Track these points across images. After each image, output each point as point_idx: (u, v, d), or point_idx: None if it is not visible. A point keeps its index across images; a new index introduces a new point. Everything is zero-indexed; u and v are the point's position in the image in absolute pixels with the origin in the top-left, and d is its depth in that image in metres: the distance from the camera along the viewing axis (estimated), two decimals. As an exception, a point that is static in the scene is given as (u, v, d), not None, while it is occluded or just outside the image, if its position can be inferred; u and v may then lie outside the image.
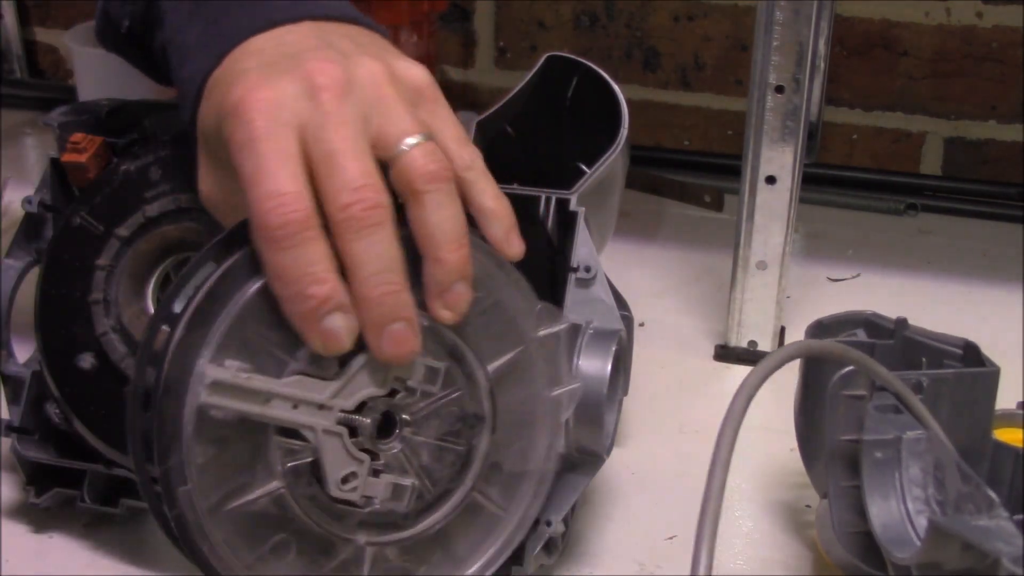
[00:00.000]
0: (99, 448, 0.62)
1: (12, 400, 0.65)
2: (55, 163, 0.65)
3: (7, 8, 1.31)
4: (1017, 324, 0.87)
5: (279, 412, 0.50)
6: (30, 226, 0.65)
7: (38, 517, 0.67)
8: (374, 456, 0.52)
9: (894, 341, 0.63)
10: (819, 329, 0.64)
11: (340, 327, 0.49)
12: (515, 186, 0.64)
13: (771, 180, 0.80)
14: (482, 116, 0.68)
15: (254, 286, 0.50)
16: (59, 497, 0.65)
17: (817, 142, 1.15)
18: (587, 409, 0.57)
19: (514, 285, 0.55)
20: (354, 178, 0.49)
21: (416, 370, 0.52)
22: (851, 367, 0.58)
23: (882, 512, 0.56)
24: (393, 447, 0.53)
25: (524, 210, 0.63)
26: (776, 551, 0.67)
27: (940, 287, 0.93)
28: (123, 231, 0.62)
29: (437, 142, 0.52)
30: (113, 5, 0.60)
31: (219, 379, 0.49)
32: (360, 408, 0.51)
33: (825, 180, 1.10)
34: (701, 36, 1.15)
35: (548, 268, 0.63)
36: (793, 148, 0.79)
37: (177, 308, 0.51)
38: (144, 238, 0.62)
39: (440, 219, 0.50)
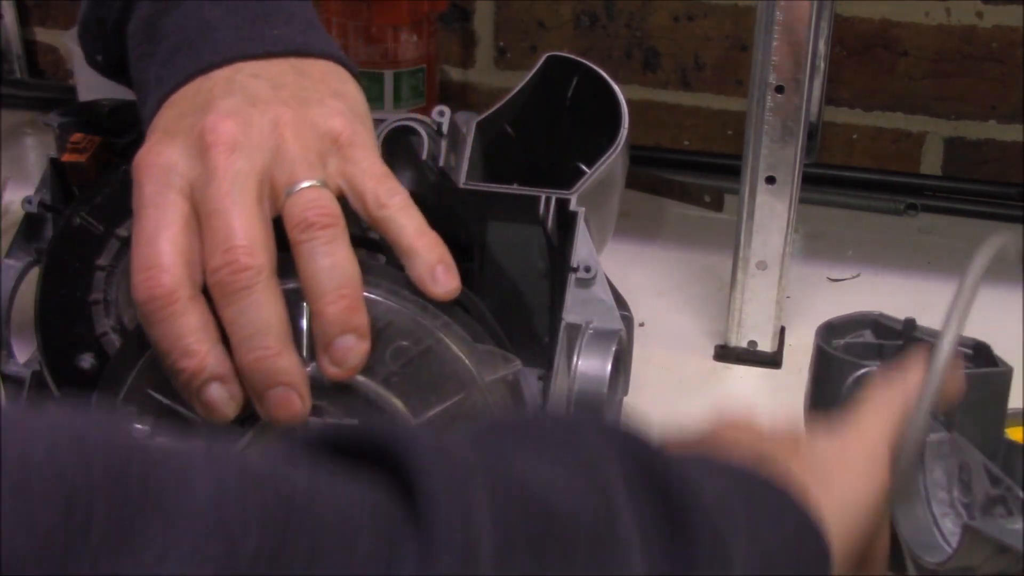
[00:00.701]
0: (99, 448, 0.62)
1: (12, 400, 0.65)
2: (55, 163, 0.65)
3: (7, 8, 1.31)
4: (1017, 324, 0.87)
5: None
6: (30, 226, 0.65)
7: (38, 517, 0.67)
8: None
9: (903, 342, 0.63)
10: (828, 330, 0.64)
11: (219, 397, 0.48)
12: (515, 186, 0.64)
13: (771, 180, 0.80)
14: (482, 116, 0.68)
15: (148, 352, 0.50)
16: (59, 497, 0.65)
17: (817, 142, 1.15)
18: (587, 409, 0.57)
19: (445, 330, 0.52)
20: (225, 239, 0.48)
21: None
22: (866, 369, 0.58)
23: (907, 516, 0.56)
24: None
25: (524, 210, 0.63)
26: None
27: (940, 287, 0.93)
28: (123, 231, 0.62)
29: (351, 183, 0.52)
30: (85, 40, 0.59)
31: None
32: None
33: (825, 180, 1.10)
34: (701, 36, 1.15)
35: (548, 268, 0.63)
36: (793, 148, 0.79)
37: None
38: (144, 238, 0.62)
39: (315, 270, 0.49)
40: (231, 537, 0.27)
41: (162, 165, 0.50)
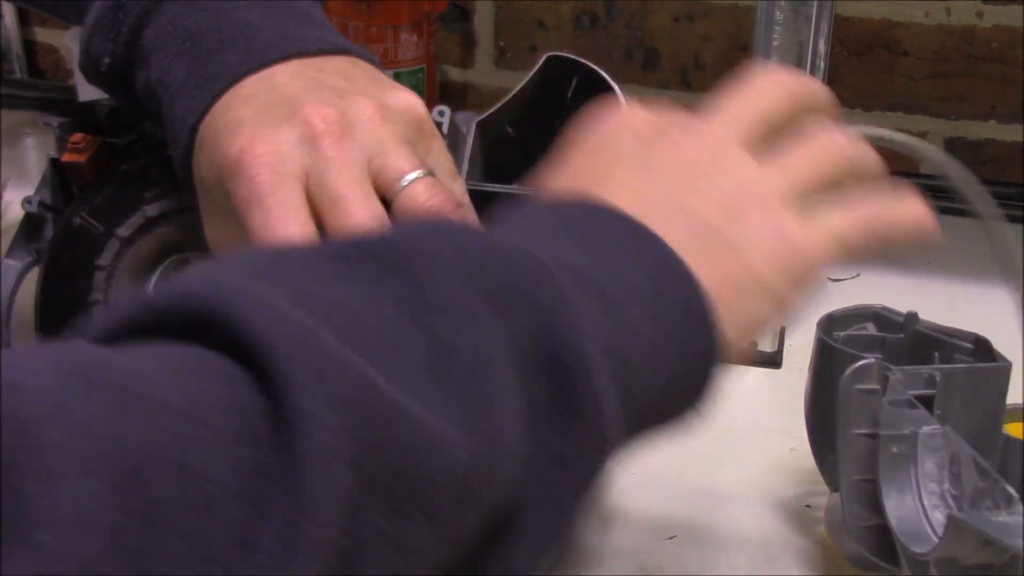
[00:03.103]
0: (99, 448, 0.62)
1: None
2: (55, 163, 0.65)
3: (7, 8, 1.31)
4: (1017, 324, 0.87)
5: None
6: (30, 226, 0.65)
7: (38, 517, 0.67)
8: None
9: (904, 335, 0.63)
10: (830, 322, 0.64)
11: None
12: (515, 186, 0.64)
13: (771, 180, 0.80)
14: (482, 116, 0.68)
15: None
16: (59, 497, 0.65)
17: (817, 142, 1.15)
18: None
19: None
20: (362, 222, 0.49)
21: None
22: (866, 361, 0.58)
23: (898, 507, 0.56)
24: None
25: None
26: (778, 549, 0.67)
27: (940, 287, 0.93)
28: (123, 231, 0.62)
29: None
30: (94, 42, 0.58)
31: None
32: None
33: (825, 180, 1.10)
34: (701, 36, 1.15)
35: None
36: (793, 148, 0.79)
37: None
38: (144, 238, 0.62)
39: None
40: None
41: (273, 153, 0.49)
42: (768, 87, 0.48)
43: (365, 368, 0.33)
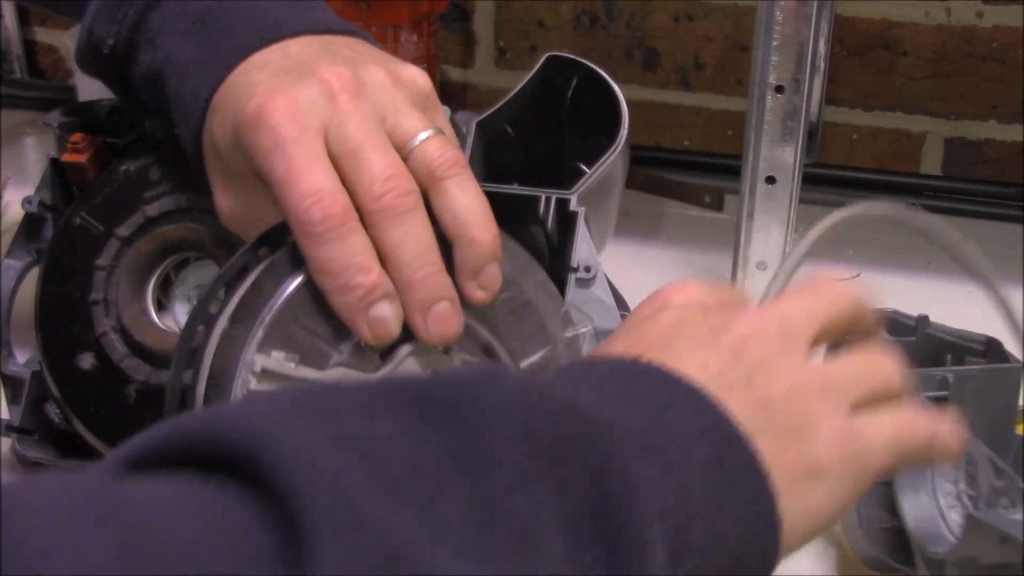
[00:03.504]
0: (99, 448, 0.62)
1: (12, 400, 0.65)
2: (55, 163, 0.65)
3: (7, 8, 1.31)
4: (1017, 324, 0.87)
5: None
6: (30, 226, 0.66)
7: (38, 517, 0.67)
8: None
9: (916, 338, 0.63)
10: None
11: (388, 315, 0.50)
12: (515, 186, 0.64)
13: (771, 180, 0.80)
14: (482, 116, 0.68)
15: (297, 280, 0.50)
16: (59, 497, 0.65)
17: (817, 142, 1.15)
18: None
19: (541, 286, 0.55)
20: (383, 169, 0.50)
21: (454, 363, 0.53)
22: None
23: (914, 507, 0.57)
24: None
25: (524, 210, 0.63)
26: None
27: (940, 287, 0.93)
28: (123, 231, 0.62)
29: None
30: (98, 25, 0.59)
31: (268, 368, 0.49)
32: None
33: (825, 180, 1.10)
34: (701, 36, 1.15)
35: (548, 268, 0.63)
36: (793, 148, 0.79)
37: (213, 310, 0.51)
38: (144, 238, 0.62)
39: (468, 201, 0.51)
40: None
41: (295, 105, 0.51)
42: (835, 296, 0.48)
43: (398, 524, 0.31)
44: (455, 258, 0.51)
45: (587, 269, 0.60)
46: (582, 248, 0.60)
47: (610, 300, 0.60)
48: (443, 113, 0.57)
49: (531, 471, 0.35)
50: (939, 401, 0.59)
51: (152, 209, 0.62)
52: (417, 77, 0.55)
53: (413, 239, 0.50)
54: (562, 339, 0.55)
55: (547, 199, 0.62)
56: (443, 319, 0.50)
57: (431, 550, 0.31)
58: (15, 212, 0.79)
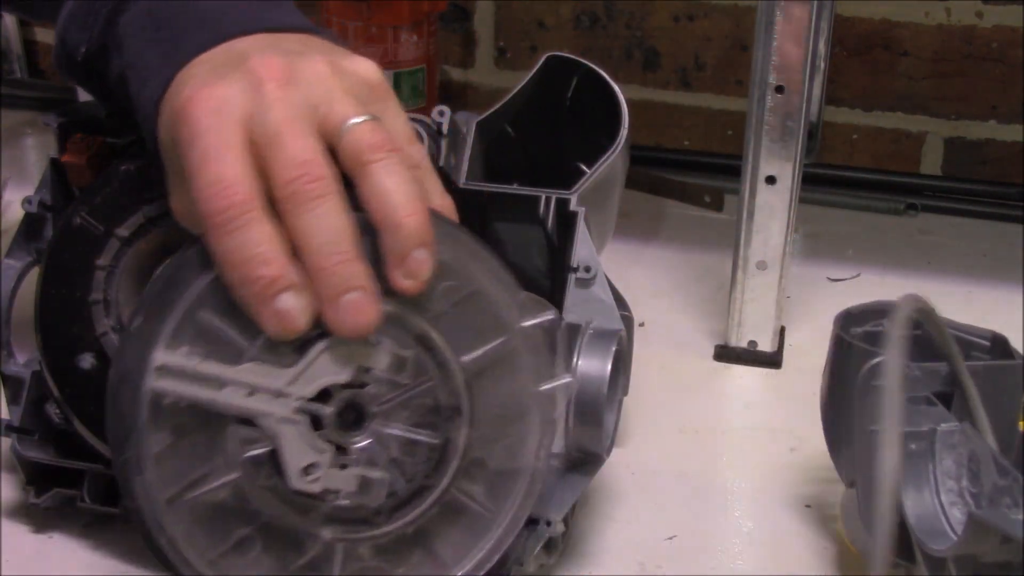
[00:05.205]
0: (99, 448, 0.62)
1: (12, 400, 0.65)
2: (55, 163, 0.65)
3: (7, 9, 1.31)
4: (1017, 324, 0.87)
5: (233, 399, 0.49)
6: (30, 226, 0.65)
7: (38, 517, 0.67)
8: (342, 450, 0.51)
9: (921, 332, 0.63)
10: (847, 319, 0.64)
11: (293, 306, 0.48)
12: (515, 186, 0.64)
13: (771, 180, 0.80)
14: (482, 116, 0.68)
15: (208, 274, 0.50)
16: (59, 497, 0.65)
17: (817, 142, 1.15)
18: (587, 409, 0.57)
19: (492, 274, 0.53)
20: (296, 154, 0.49)
21: (379, 356, 0.51)
22: (883, 358, 0.58)
23: (916, 504, 0.56)
24: (362, 440, 0.51)
25: (524, 210, 0.63)
26: (778, 549, 0.67)
27: (940, 287, 0.93)
28: (123, 231, 0.62)
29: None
30: (70, 33, 0.59)
31: (168, 363, 0.49)
32: (325, 398, 0.51)
33: (825, 180, 1.10)
34: (701, 36, 1.15)
35: (548, 268, 0.63)
36: (793, 148, 0.79)
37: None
38: (144, 238, 0.62)
39: (392, 184, 0.50)
40: None
41: (216, 97, 0.50)
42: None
43: None
44: (381, 245, 0.50)
45: (587, 269, 0.60)
46: (582, 248, 0.60)
47: (610, 300, 0.60)
48: (394, 103, 0.55)
49: None
50: (944, 397, 0.59)
51: (152, 209, 0.62)
52: (363, 68, 0.54)
53: (324, 226, 0.48)
54: (518, 329, 0.53)
55: (547, 199, 0.62)
56: (354, 310, 0.49)
57: None
58: (15, 212, 0.79)
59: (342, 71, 0.53)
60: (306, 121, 0.50)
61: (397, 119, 0.54)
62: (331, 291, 0.49)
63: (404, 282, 0.50)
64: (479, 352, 0.52)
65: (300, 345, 0.50)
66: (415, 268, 0.50)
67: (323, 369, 0.50)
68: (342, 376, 0.50)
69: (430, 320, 0.52)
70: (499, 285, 0.53)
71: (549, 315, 0.55)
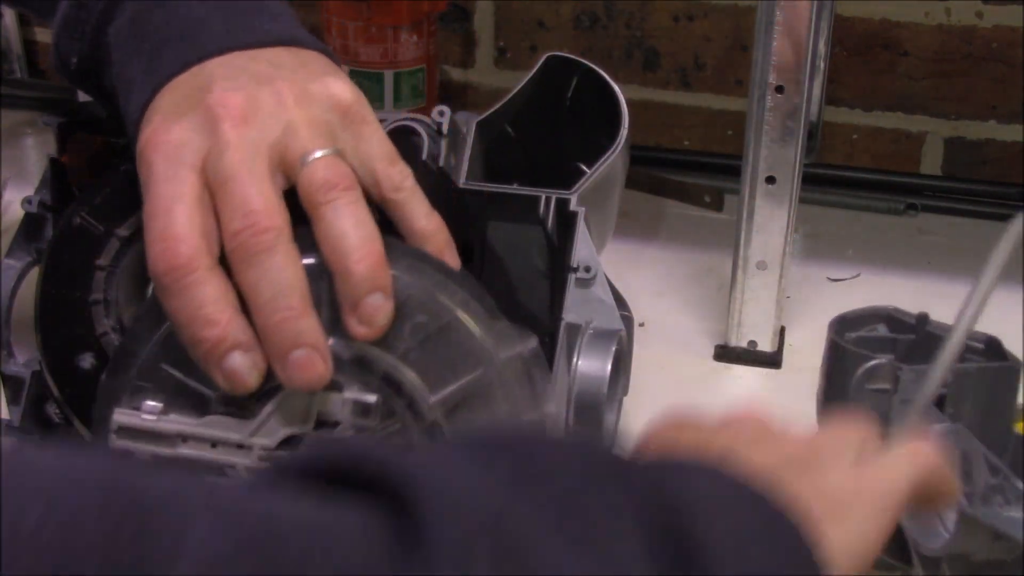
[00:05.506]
0: (99, 448, 0.62)
1: (12, 400, 0.65)
2: (55, 163, 0.65)
3: (7, 8, 1.31)
4: (1017, 324, 0.87)
5: (195, 452, 0.49)
6: (30, 226, 0.65)
7: (38, 517, 0.67)
8: None
9: (916, 336, 0.64)
10: (841, 323, 0.64)
11: (240, 366, 0.48)
12: (515, 186, 0.64)
13: (771, 180, 0.80)
14: (482, 116, 0.68)
15: (165, 326, 0.50)
16: (59, 497, 0.65)
17: (817, 142, 1.15)
18: (587, 409, 0.57)
19: (463, 307, 0.52)
20: (243, 204, 0.48)
21: (338, 405, 0.50)
22: (877, 361, 0.58)
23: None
24: None
25: (524, 210, 0.63)
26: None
27: (940, 287, 0.93)
28: (123, 231, 0.62)
29: (364, 163, 0.52)
30: (62, 41, 0.59)
31: (125, 424, 0.49)
32: (292, 443, 0.50)
33: (825, 180, 1.10)
34: (701, 36, 1.15)
35: (548, 268, 0.63)
36: (793, 148, 0.79)
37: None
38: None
39: (342, 228, 0.49)
40: None
41: (172, 142, 0.50)
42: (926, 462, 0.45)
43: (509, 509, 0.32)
44: (335, 290, 0.49)
45: (587, 269, 0.60)
46: (582, 248, 0.60)
47: (610, 300, 0.60)
48: (371, 125, 0.54)
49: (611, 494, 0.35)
50: (938, 399, 0.59)
51: (152, 209, 0.62)
52: (336, 89, 0.53)
53: (268, 281, 0.47)
54: (496, 361, 0.51)
55: (547, 199, 0.62)
56: (302, 367, 0.47)
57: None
58: (15, 212, 0.79)
59: (309, 98, 0.52)
60: (262, 162, 0.49)
61: (373, 140, 0.53)
62: (277, 349, 0.48)
63: (359, 328, 0.49)
64: (450, 389, 0.51)
65: (262, 395, 0.49)
66: (369, 314, 0.49)
67: (283, 419, 0.49)
68: (304, 427, 0.50)
69: (399, 358, 0.50)
70: (472, 316, 0.52)
71: (530, 344, 0.53)
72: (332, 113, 0.52)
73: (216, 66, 0.53)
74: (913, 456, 0.45)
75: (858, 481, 0.43)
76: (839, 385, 0.61)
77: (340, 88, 0.53)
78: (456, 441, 0.38)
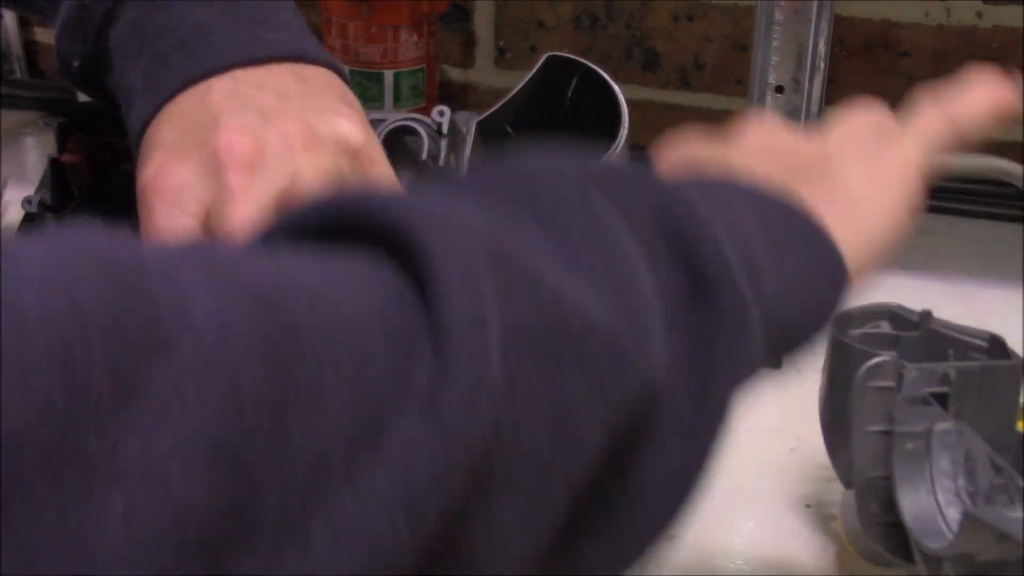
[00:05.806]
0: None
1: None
2: (55, 163, 0.65)
3: (7, 9, 1.31)
4: (1017, 324, 0.87)
5: None
6: (30, 226, 0.65)
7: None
8: None
9: (919, 333, 0.64)
10: (844, 320, 0.64)
11: None
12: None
13: (771, 180, 0.80)
14: (482, 116, 0.68)
15: None
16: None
17: (817, 142, 1.15)
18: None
19: None
20: None
21: None
22: (880, 358, 0.58)
23: (913, 503, 0.57)
24: None
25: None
26: (778, 549, 0.67)
27: (940, 287, 0.93)
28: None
29: None
30: (63, 43, 0.58)
31: None
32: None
33: (825, 180, 1.10)
34: (701, 36, 1.15)
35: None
36: (793, 148, 0.79)
37: None
38: (144, 238, 0.62)
39: None
40: (235, 381, 0.26)
41: (174, 187, 0.49)
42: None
43: (505, 240, 0.33)
44: None
45: (587, 269, 0.60)
46: (582, 248, 0.60)
47: (610, 300, 0.60)
48: (380, 167, 0.53)
49: (597, 204, 0.36)
50: (940, 398, 0.59)
51: (152, 209, 0.62)
52: (343, 131, 0.52)
53: None
54: None
55: (547, 199, 0.62)
56: None
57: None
58: (15, 212, 0.79)
59: (317, 141, 0.51)
60: (266, 216, 0.49)
61: (379, 179, 0.53)
62: None
63: None
64: None
65: None
66: None
67: None
68: None
69: None
70: None
71: None
72: (341, 157, 0.51)
73: (221, 94, 0.52)
74: (922, 133, 0.51)
75: (872, 180, 0.47)
76: (841, 382, 0.61)
77: (349, 129, 0.52)
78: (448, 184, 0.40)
